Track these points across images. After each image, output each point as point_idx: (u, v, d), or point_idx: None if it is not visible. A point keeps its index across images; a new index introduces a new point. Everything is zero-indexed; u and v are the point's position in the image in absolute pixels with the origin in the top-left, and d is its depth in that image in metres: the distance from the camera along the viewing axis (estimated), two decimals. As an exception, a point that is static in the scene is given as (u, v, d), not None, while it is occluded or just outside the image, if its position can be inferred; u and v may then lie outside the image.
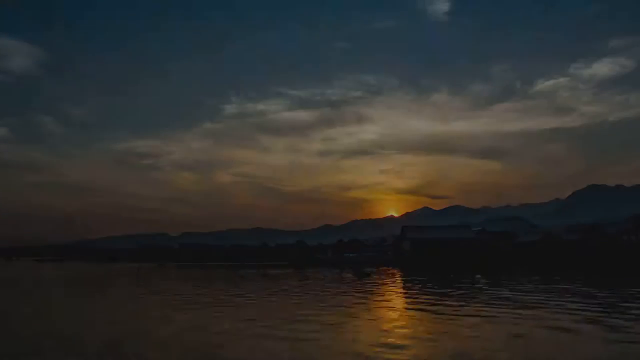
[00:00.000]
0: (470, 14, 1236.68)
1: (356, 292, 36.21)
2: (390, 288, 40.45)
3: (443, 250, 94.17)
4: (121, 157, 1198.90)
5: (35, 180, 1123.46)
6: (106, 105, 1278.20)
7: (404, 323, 20.19)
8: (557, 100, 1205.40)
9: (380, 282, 48.22)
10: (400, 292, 36.66)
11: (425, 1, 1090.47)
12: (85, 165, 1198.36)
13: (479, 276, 52.46)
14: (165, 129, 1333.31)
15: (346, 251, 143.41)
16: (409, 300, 30.94)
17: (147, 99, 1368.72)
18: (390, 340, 16.03)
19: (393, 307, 26.34)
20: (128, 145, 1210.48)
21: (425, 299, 30.13)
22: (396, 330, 18.19)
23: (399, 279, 53.20)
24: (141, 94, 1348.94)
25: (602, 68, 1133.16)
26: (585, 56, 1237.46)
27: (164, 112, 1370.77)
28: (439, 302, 27.57)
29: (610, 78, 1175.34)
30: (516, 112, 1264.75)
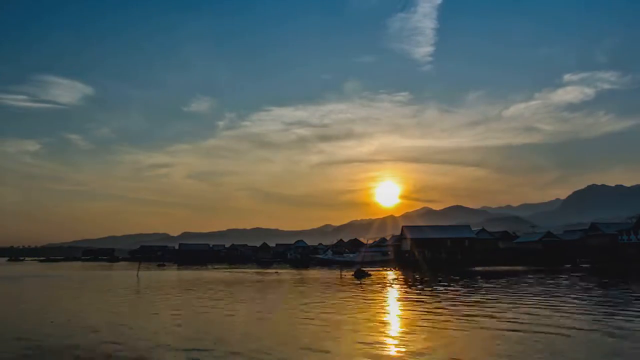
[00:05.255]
0: (450, 55, 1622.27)
1: (355, 292, 36.18)
2: (389, 288, 40.41)
3: (443, 250, 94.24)
4: (135, 168, 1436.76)
5: (57, 188, 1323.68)
6: (125, 125, 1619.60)
7: (398, 325, 20.16)
8: (528, 122, 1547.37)
9: (379, 282, 48.18)
10: (398, 292, 36.63)
11: (410, 44, 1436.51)
12: (102, 175, 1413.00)
13: (478, 276, 52.43)
14: (174, 144, 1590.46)
15: (346, 251, 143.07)
16: (404, 299, 30.92)
17: (159, 119, 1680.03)
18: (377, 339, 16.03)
19: (389, 308, 26.29)
20: (141, 158, 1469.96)
21: (421, 297, 30.10)
22: (387, 332, 18.17)
23: (398, 279, 53.14)
24: (154, 116, 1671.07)
25: (566, 95, 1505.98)
26: (547, 86, 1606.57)
27: (173, 130, 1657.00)
28: (432, 301, 27.55)
29: (571, 104, 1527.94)
30: (495, 131, 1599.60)
